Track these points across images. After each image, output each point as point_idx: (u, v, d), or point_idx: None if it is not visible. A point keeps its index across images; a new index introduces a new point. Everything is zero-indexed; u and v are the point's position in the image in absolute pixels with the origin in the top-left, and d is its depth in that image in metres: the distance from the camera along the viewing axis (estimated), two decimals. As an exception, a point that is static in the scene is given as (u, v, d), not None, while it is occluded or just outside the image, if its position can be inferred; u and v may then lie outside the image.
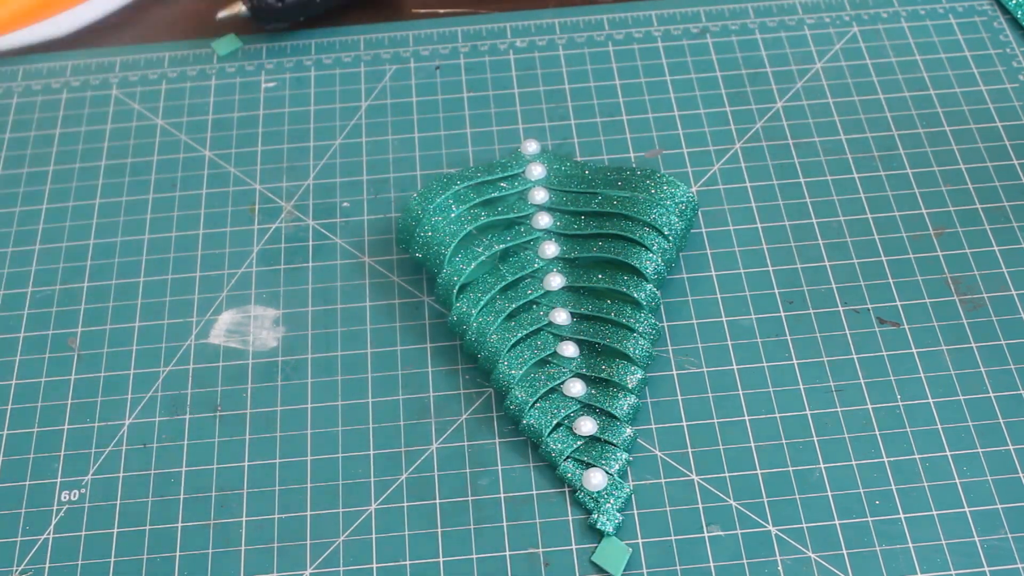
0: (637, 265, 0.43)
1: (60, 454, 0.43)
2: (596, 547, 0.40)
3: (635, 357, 0.42)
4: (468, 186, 0.46)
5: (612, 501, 0.40)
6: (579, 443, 0.42)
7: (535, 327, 0.44)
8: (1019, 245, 0.46)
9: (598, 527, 0.40)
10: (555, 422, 0.42)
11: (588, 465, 0.41)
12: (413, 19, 0.56)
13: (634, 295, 0.43)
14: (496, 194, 0.46)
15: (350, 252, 0.48)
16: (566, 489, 0.41)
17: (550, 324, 0.44)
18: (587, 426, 0.42)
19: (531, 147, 0.48)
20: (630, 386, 0.42)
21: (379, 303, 0.46)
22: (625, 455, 0.41)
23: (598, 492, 0.41)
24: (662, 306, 0.45)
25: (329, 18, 0.56)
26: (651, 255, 0.44)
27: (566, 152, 0.50)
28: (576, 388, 0.42)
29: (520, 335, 0.43)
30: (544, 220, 0.46)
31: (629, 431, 0.42)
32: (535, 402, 0.42)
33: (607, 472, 0.41)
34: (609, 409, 0.42)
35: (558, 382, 0.43)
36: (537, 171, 0.47)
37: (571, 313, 0.44)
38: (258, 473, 0.42)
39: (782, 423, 0.42)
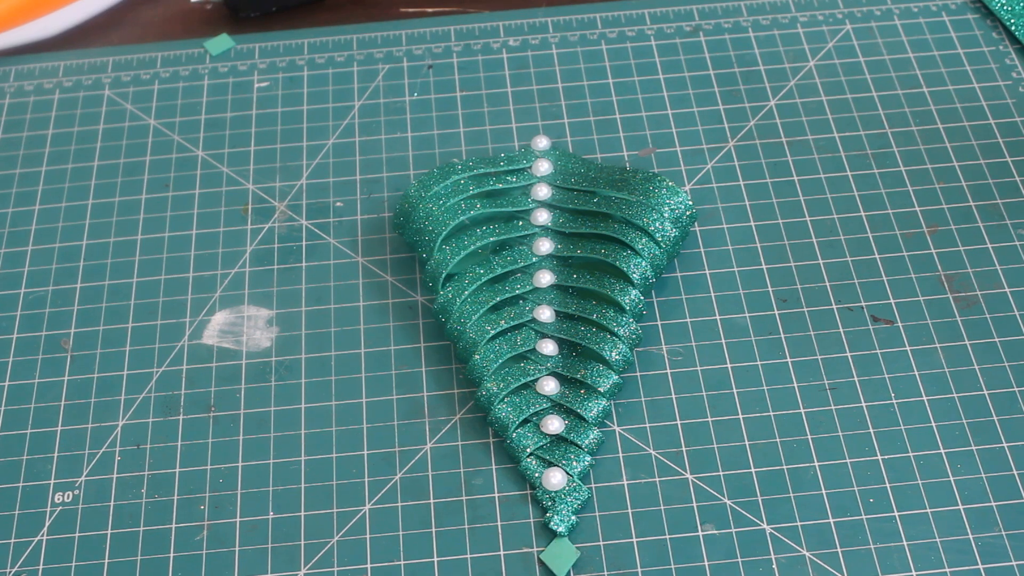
0: (625, 269, 0.43)
1: (53, 455, 0.43)
2: (547, 546, 0.40)
3: (612, 361, 0.42)
4: (469, 176, 0.46)
5: (569, 502, 0.40)
6: (544, 441, 0.42)
7: (518, 321, 0.43)
8: (1012, 243, 0.46)
9: (551, 527, 0.40)
10: (523, 418, 0.42)
11: (550, 464, 0.41)
12: (404, 18, 0.56)
13: (618, 300, 0.43)
14: (501, 186, 0.46)
15: (343, 252, 0.47)
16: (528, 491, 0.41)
17: (533, 320, 0.44)
18: (554, 425, 0.42)
19: (541, 143, 0.48)
20: (602, 390, 0.42)
21: (373, 303, 0.46)
22: (589, 458, 0.41)
23: (555, 492, 0.40)
24: (656, 304, 0.45)
25: (306, 12, 0.56)
26: (640, 260, 0.44)
27: (576, 150, 0.50)
28: (549, 386, 0.42)
29: (501, 328, 0.43)
30: (543, 216, 0.46)
31: (595, 434, 0.42)
32: (505, 396, 0.42)
33: (568, 473, 0.41)
34: (578, 410, 0.42)
35: (531, 378, 0.42)
36: (544, 167, 0.47)
37: (556, 311, 0.44)
38: (252, 473, 0.42)
39: (776, 421, 0.42)
